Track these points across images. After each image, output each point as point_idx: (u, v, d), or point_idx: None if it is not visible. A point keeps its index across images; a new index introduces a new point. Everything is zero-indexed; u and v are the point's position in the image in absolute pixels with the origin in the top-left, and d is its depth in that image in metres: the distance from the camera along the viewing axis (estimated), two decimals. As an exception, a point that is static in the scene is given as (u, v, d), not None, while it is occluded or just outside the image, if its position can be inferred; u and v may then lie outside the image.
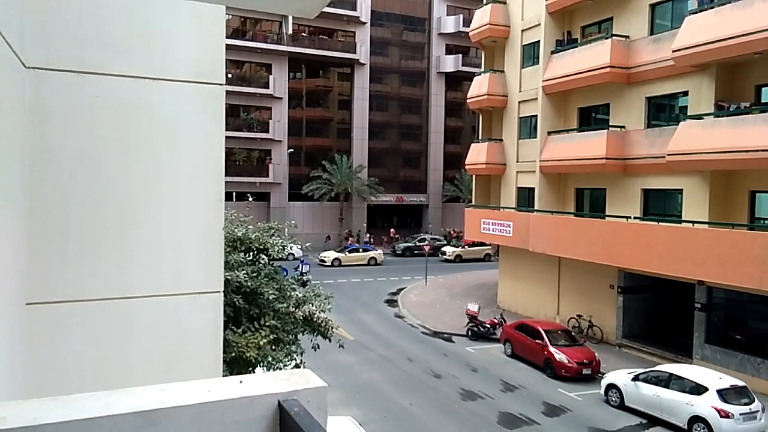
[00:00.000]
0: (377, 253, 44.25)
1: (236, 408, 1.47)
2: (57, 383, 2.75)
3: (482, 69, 32.11)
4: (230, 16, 44.38)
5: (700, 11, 18.95)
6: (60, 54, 2.77)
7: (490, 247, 46.85)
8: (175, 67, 3.04)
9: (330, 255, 42.94)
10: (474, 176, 33.43)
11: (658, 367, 17.91)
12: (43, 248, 2.77)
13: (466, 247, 45.57)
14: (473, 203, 33.07)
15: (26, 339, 2.70)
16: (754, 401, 15.31)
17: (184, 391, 1.49)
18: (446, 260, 45.31)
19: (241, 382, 1.57)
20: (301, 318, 10.99)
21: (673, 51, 19.49)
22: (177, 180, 3.10)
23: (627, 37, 23.09)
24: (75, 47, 2.80)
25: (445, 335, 25.39)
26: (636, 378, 17.27)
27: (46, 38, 2.73)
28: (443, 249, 47.06)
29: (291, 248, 13.28)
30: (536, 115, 27.13)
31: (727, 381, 15.76)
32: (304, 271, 23.24)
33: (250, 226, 10.96)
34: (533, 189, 27.25)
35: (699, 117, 19.31)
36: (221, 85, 3.17)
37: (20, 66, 2.56)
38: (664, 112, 22.82)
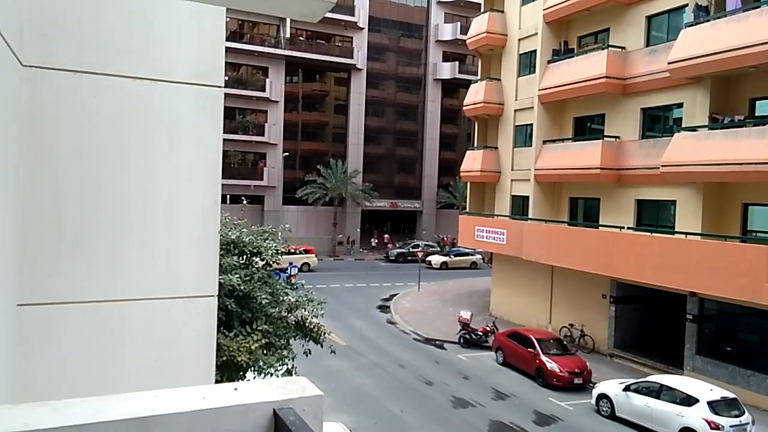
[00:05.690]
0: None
1: (230, 416, 1.44)
2: (48, 387, 2.70)
3: (479, 77, 32.23)
4: (228, 19, 44.32)
5: (696, 24, 19.09)
6: (57, 53, 2.73)
7: (308, 255, 41.53)
8: (174, 69, 3.01)
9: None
10: (468, 183, 33.46)
11: (649, 378, 17.92)
12: (36, 248, 2.73)
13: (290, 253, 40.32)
14: (467, 210, 33.09)
15: (17, 341, 2.65)
16: (744, 413, 15.35)
17: (177, 398, 1.47)
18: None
19: (235, 389, 1.55)
20: (293, 323, 10.95)
21: (669, 63, 19.60)
22: (173, 182, 3.07)
23: (623, 48, 23.23)
24: (73, 46, 2.77)
25: (437, 342, 25.34)
26: (627, 388, 17.27)
27: (44, 37, 2.70)
28: None
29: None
30: (532, 124, 27.23)
31: (718, 393, 15.79)
32: (291, 273, 23.23)
33: (243, 230, 10.93)
34: (527, 197, 27.31)
35: (693, 129, 19.43)
36: (220, 87, 3.14)
37: (17, 64, 2.53)
38: (658, 123, 22.93)
